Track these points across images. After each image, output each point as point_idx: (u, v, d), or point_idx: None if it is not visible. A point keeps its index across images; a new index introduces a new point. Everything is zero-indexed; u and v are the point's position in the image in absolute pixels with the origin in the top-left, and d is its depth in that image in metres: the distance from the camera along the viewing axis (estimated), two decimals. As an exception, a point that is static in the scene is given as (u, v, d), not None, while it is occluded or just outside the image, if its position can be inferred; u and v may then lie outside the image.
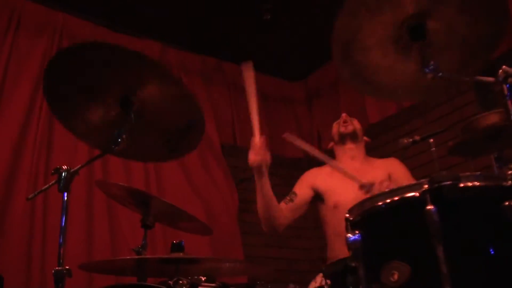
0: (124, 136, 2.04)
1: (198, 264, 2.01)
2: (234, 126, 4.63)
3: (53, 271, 1.83)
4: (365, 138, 3.00)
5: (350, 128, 2.89)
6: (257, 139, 2.60)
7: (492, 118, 2.16)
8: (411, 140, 2.79)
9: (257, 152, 2.55)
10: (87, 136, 2.23)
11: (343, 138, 2.90)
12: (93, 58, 1.94)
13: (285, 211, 2.74)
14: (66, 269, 1.84)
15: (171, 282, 1.17)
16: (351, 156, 2.88)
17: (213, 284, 1.25)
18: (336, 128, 2.95)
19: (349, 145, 2.89)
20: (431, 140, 2.88)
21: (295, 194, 2.82)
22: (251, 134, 4.68)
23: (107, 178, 3.54)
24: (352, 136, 2.89)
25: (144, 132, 2.13)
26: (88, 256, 3.24)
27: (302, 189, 2.85)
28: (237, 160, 4.52)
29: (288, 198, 2.80)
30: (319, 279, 2.40)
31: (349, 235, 1.39)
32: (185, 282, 1.17)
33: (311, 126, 5.08)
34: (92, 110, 2.07)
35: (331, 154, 3.01)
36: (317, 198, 2.83)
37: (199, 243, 3.47)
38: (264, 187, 2.59)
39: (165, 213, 2.43)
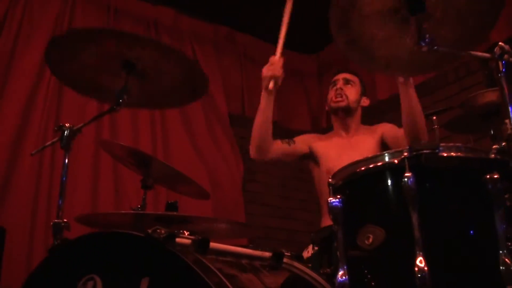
0: (125, 97, 2.10)
1: (193, 224, 2.06)
2: (243, 97, 4.65)
3: (51, 223, 1.90)
4: (364, 99, 2.93)
5: (342, 104, 2.81)
6: (278, 56, 2.61)
7: (490, 96, 2.16)
8: (414, 116, 2.79)
9: (274, 67, 2.55)
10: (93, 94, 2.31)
11: (335, 112, 2.86)
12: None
13: (278, 147, 2.74)
14: (64, 222, 1.91)
15: (149, 231, 1.22)
16: (344, 128, 2.86)
17: (192, 237, 1.29)
18: (330, 96, 2.88)
19: (342, 117, 2.85)
20: (434, 117, 2.88)
21: (293, 142, 2.80)
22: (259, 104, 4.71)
23: (115, 140, 3.60)
24: (345, 110, 2.83)
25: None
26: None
27: (301, 142, 2.85)
28: (245, 131, 4.55)
29: (287, 140, 2.79)
30: (311, 248, 2.44)
31: (331, 199, 1.42)
32: (163, 231, 1.21)
33: (320, 100, 5.08)
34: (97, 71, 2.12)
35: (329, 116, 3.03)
36: (312, 160, 2.84)
37: (202, 209, 3.54)
38: (269, 106, 2.61)
39: (164, 175, 2.48)
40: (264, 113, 2.62)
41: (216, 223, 2.27)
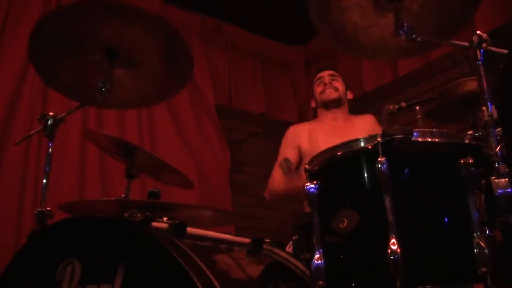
0: (108, 86, 2.11)
1: (177, 211, 2.07)
2: (230, 88, 4.65)
3: (35, 212, 1.91)
4: (349, 93, 3.00)
5: (334, 95, 2.88)
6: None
7: (470, 84, 2.18)
8: (397, 106, 2.82)
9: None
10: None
11: (326, 105, 2.90)
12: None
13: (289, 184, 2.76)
14: (48, 210, 1.92)
15: (126, 214, 1.24)
16: (334, 118, 2.91)
17: (169, 221, 1.31)
18: (318, 92, 2.93)
19: (333, 110, 2.90)
20: (417, 107, 2.90)
21: (290, 162, 2.71)
22: (247, 96, 4.73)
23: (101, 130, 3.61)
24: (336, 101, 2.89)
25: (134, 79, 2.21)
26: (78, 203, 3.35)
27: (291, 152, 2.89)
28: (232, 122, 4.59)
29: (287, 166, 2.67)
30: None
31: (307, 184, 1.44)
32: (138, 215, 1.23)
33: (308, 91, 5.08)
34: (78, 62, 2.13)
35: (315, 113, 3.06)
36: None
37: (189, 200, 3.54)
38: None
39: (149, 164, 2.49)
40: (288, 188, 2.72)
41: (201, 211, 2.27)
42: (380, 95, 4.35)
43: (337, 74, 3.00)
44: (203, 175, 4.09)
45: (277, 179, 2.78)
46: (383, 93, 4.36)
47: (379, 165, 1.29)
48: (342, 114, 2.94)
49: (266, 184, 4.67)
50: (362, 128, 2.82)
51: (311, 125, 2.97)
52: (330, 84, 2.91)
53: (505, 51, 1.57)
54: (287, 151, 2.91)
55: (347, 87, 3.03)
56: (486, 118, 1.53)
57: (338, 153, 1.41)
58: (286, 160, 2.70)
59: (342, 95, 2.92)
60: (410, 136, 1.31)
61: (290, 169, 2.68)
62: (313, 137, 2.84)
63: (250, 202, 4.52)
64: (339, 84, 2.94)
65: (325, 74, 2.96)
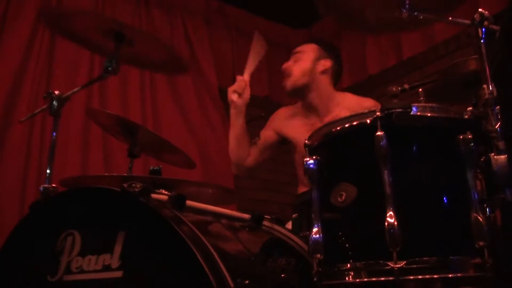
0: (114, 65, 2.13)
1: (178, 189, 2.09)
2: (234, 70, 4.64)
3: (40, 189, 1.93)
4: (323, 62, 2.66)
5: (286, 88, 2.72)
6: (247, 77, 2.67)
7: (471, 64, 2.17)
8: (400, 88, 2.80)
9: (238, 84, 2.63)
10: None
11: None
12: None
13: (250, 156, 2.76)
14: (53, 187, 1.94)
15: (125, 185, 1.25)
16: (313, 110, 2.71)
17: (168, 193, 1.32)
18: None
19: (304, 99, 2.73)
20: (420, 89, 2.89)
21: (258, 138, 2.73)
22: (250, 79, 4.71)
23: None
24: (296, 92, 2.71)
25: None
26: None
27: (267, 132, 2.81)
28: (235, 104, 4.57)
29: (253, 141, 2.73)
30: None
31: (307, 159, 1.45)
32: (138, 185, 1.24)
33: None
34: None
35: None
36: (289, 143, 2.79)
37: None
38: (240, 125, 2.63)
39: (151, 144, 2.51)
40: (233, 130, 2.65)
41: (202, 188, 2.29)
42: (384, 79, 4.33)
43: (303, 48, 2.66)
44: (205, 157, 4.10)
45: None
46: (387, 77, 4.34)
47: (378, 140, 1.29)
48: (319, 101, 2.63)
49: (269, 166, 4.70)
50: (346, 109, 2.52)
51: (294, 113, 2.81)
52: (284, 70, 2.66)
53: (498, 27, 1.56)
54: (266, 129, 2.84)
55: (325, 55, 2.65)
56: (487, 96, 1.53)
57: (337, 128, 1.41)
58: (257, 135, 2.74)
59: (297, 81, 2.60)
60: (409, 110, 1.31)
61: (255, 143, 2.71)
62: (300, 125, 2.69)
63: (253, 185, 4.54)
64: (296, 66, 2.62)
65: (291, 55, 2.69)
